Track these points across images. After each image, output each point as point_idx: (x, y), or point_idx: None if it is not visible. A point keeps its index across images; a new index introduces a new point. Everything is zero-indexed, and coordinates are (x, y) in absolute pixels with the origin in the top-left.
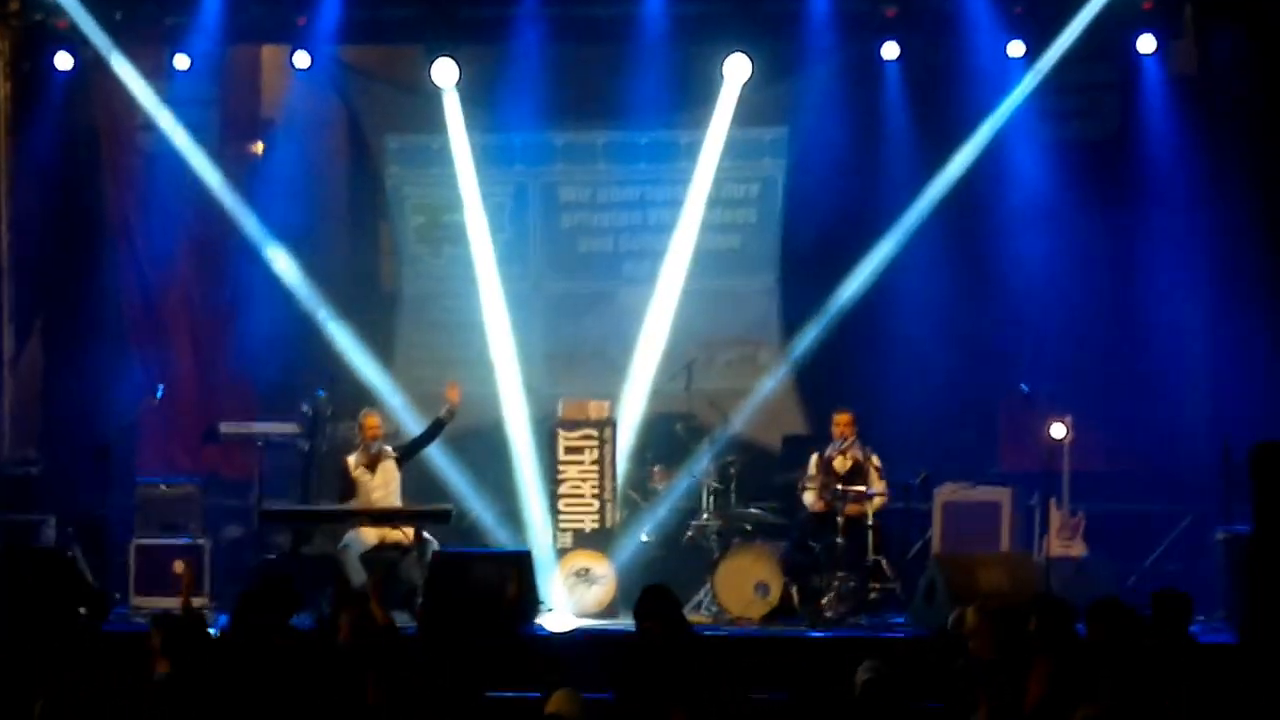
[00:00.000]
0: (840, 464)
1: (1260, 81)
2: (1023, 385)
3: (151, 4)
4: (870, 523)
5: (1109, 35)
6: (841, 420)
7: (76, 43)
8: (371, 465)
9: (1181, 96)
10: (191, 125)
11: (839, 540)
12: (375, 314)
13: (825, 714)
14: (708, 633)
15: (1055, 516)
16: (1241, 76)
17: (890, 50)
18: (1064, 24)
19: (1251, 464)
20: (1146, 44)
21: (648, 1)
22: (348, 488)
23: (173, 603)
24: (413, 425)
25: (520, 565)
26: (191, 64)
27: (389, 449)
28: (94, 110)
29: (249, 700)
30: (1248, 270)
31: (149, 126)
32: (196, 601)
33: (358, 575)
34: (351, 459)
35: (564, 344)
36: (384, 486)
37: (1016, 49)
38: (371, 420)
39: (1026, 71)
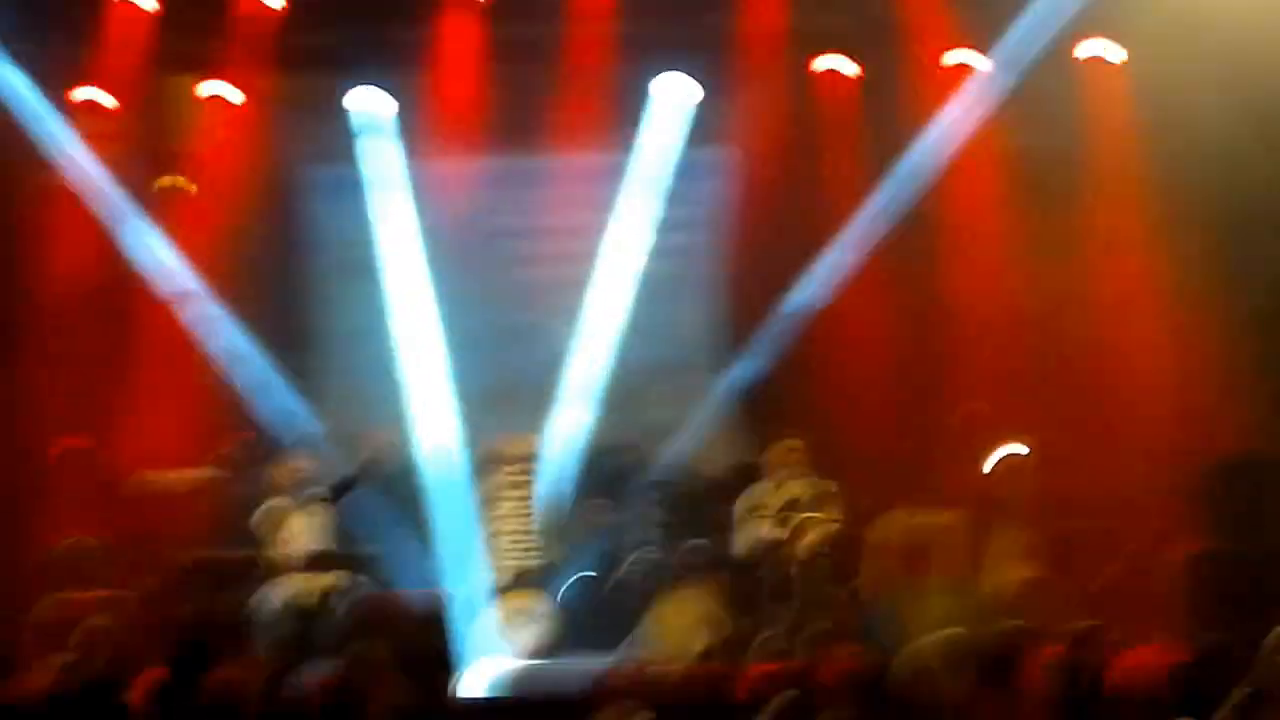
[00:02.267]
0: (788, 492)
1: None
2: (972, 404)
3: (58, 34)
4: (820, 552)
5: (1061, 43)
6: (789, 448)
7: None
8: (296, 510)
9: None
10: (98, 158)
11: (788, 571)
12: (295, 350)
13: None
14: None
15: (1006, 539)
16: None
17: (836, 65)
18: (1012, 32)
19: (1209, 482)
20: (1100, 50)
21: (582, 20)
22: (270, 533)
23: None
24: (337, 466)
25: (447, 615)
26: (99, 95)
27: (315, 493)
28: None
29: None
30: (1201, 274)
31: (53, 163)
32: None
33: (278, 626)
34: (275, 504)
35: (495, 376)
36: (308, 532)
37: (965, 60)
38: (295, 464)
39: (976, 82)
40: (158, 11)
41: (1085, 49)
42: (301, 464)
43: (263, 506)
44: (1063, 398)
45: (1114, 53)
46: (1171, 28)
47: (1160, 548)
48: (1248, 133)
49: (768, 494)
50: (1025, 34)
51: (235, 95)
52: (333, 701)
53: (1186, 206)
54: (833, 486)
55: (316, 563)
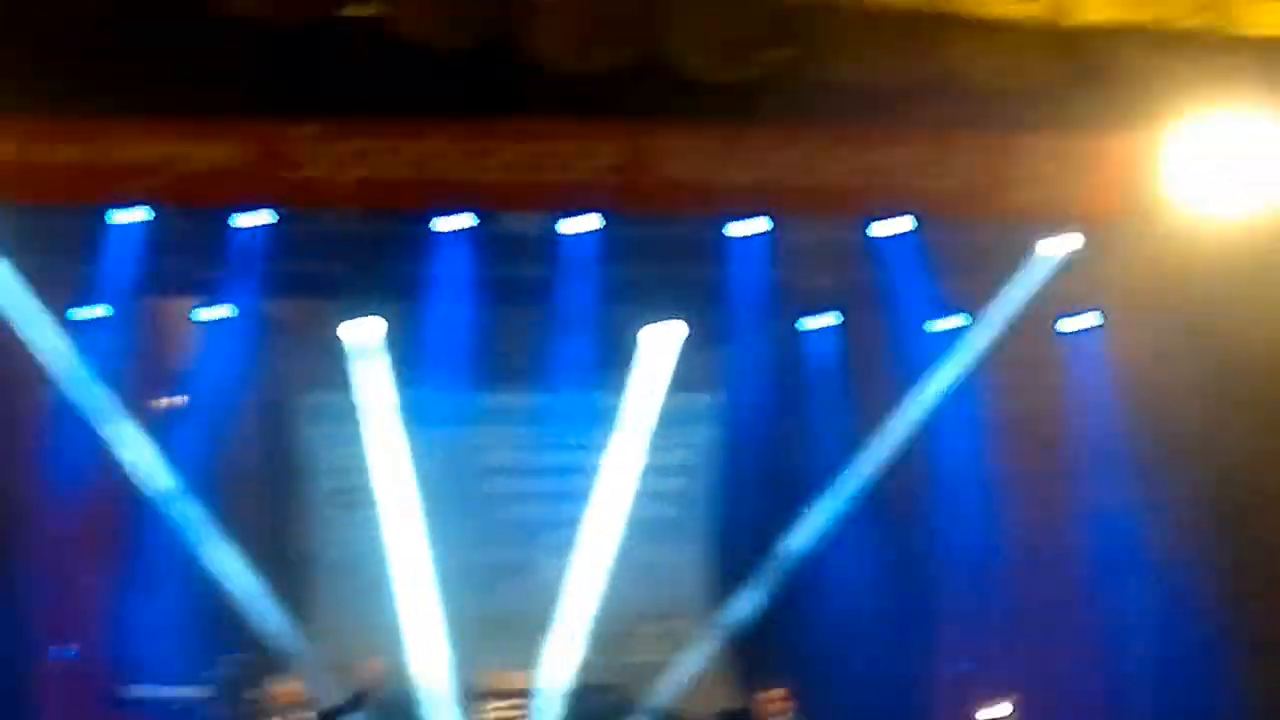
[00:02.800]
0: None
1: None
2: (963, 664)
3: (59, 254)
4: None
5: (1042, 311)
6: (775, 698)
7: None
8: None
9: (1115, 375)
10: (99, 378)
11: None
12: (289, 576)
13: None
14: None
15: None
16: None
17: (822, 321)
18: (997, 300)
19: None
20: (1079, 324)
21: (575, 264)
22: None
23: None
24: (328, 692)
25: None
26: (99, 315)
27: (307, 718)
28: None
29: None
30: (1191, 549)
31: (52, 380)
32: None
33: None
34: None
35: (485, 612)
36: None
37: (949, 323)
38: (288, 689)
39: (958, 346)
40: (158, 234)
41: (1066, 320)
42: (295, 688)
43: None
44: (1059, 653)
45: (1093, 322)
46: (1147, 300)
47: None
48: (1217, 393)
49: None
50: (1007, 302)
51: (232, 318)
52: None
53: (1178, 465)
54: None
55: None
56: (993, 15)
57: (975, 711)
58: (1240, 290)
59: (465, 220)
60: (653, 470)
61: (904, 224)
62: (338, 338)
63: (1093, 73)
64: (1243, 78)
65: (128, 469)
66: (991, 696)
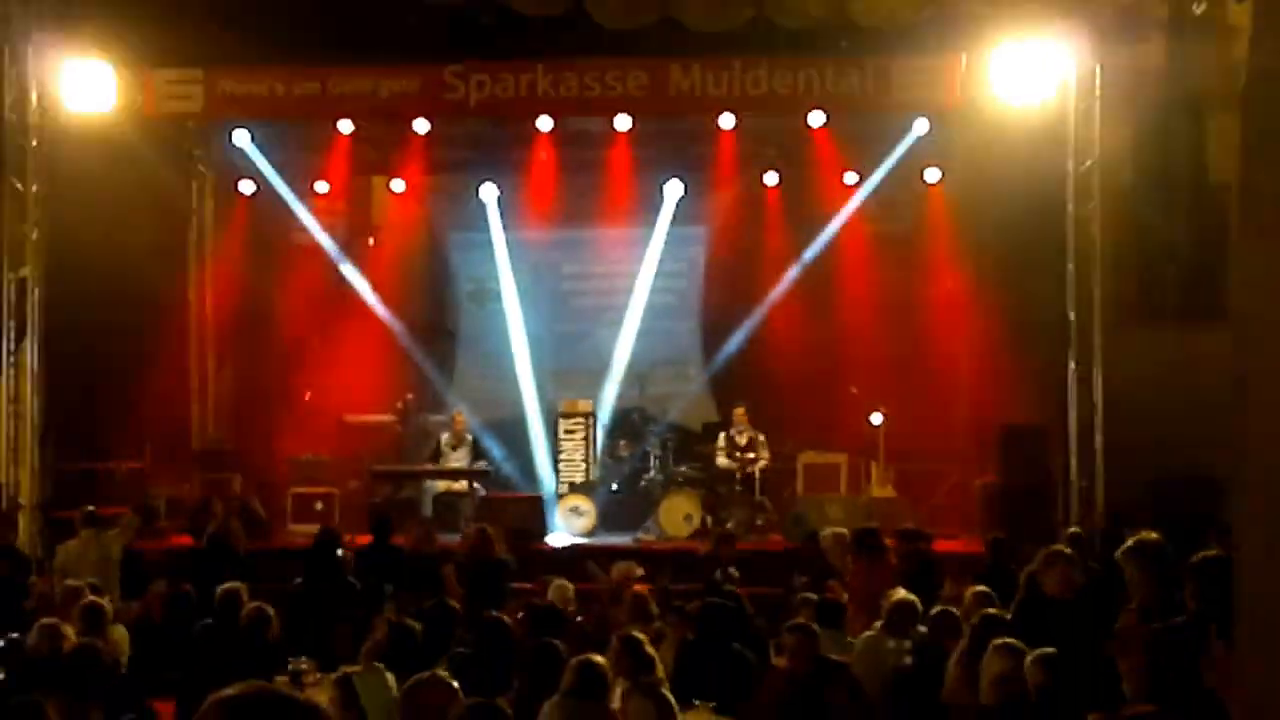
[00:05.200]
0: (739, 439)
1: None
2: (853, 388)
3: (300, 147)
4: (758, 476)
5: (910, 167)
6: (738, 412)
7: (255, 173)
8: (456, 444)
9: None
10: (327, 227)
11: (738, 488)
12: (442, 347)
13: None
14: (656, 548)
15: (874, 471)
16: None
17: (771, 177)
18: (882, 160)
19: (1000, 439)
20: (932, 174)
21: (617, 147)
22: (435, 454)
23: (313, 529)
24: (470, 420)
25: (535, 504)
26: (329, 187)
27: (470, 437)
28: (265, 218)
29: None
30: (993, 307)
31: (300, 228)
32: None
33: (428, 510)
34: (444, 437)
35: (563, 365)
36: (460, 459)
37: (851, 176)
38: (460, 418)
39: (857, 190)
40: (359, 136)
41: (928, 172)
42: (461, 417)
43: (439, 437)
44: (910, 381)
45: (941, 174)
46: (978, 159)
47: (968, 481)
48: (1025, 217)
49: (726, 440)
50: (890, 162)
51: (407, 188)
52: (468, 556)
53: (987, 261)
54: (762, 436)
55: (458, 474)
56: None
57: (865, 416)
58: (1032, 150)
59: (549, 122)
60: (663, 274)
61: (822, 116)
62: (472, 196)
63: (941, 16)
64: (1034, 13)
65: (344, 280)
66: (872, 408)
